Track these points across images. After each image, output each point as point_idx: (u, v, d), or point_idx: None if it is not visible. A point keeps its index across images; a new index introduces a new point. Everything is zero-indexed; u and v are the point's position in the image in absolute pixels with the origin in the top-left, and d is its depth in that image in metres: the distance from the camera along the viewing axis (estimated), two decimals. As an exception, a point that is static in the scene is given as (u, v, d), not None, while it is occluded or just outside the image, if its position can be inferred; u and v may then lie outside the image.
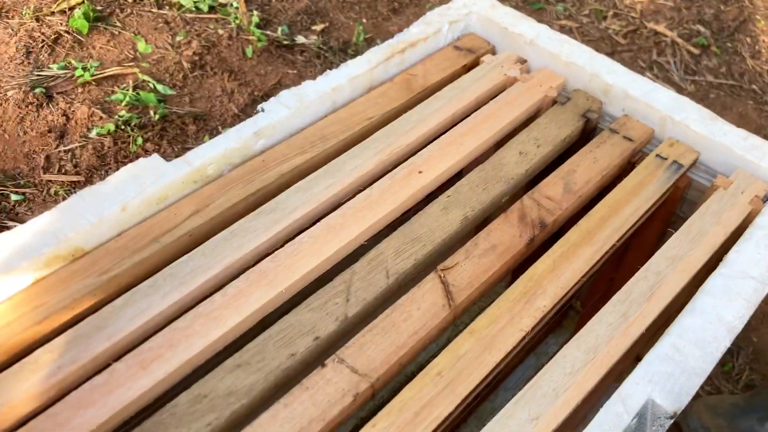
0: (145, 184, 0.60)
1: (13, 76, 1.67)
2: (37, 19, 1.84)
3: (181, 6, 1.82)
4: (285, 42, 1.70)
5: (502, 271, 0.58)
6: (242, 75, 1.66)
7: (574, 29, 1.92)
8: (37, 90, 1.56)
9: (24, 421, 0.47)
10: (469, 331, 0.53)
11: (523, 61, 0.78)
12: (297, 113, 0.69)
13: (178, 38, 1.69)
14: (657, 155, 0.68)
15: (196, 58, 1.66)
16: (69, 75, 1.61)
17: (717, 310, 0.53)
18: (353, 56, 1.70)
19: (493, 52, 0.80)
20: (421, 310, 0.54)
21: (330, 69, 0.73)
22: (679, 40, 1.86)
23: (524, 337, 0.53)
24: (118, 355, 0.51)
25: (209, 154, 0.64)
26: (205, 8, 1.81)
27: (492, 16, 0.79)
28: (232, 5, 1.80)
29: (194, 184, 0.63)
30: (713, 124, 0.68)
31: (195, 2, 1.86)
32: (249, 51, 1.67)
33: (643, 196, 0.64)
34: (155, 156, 0.63)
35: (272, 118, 0.67)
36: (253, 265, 0.57)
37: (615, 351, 0.52)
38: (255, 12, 1.80)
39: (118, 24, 1.82)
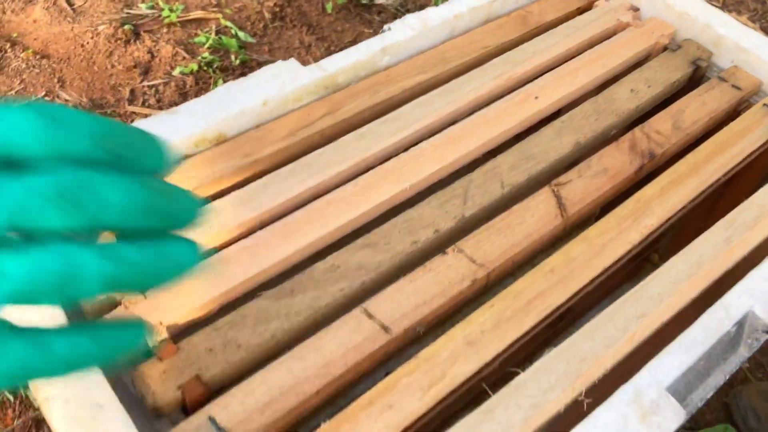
0: (284, 84, 0.66)
1: (104, 12, 1.76)
2: None
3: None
4: (364, 1, 1.73)
5: (611, 192, 0.62)
6: (320, 30, 1.71)
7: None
8: (126, 26, 1.63)
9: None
10: (581, 238, 0.57)
11: (635, 9, 0.80)
12: (420, 35, 0.73)
13: (260, -11, 1.75)
14: (764, 104, 0.70)
15: (277, 9, 1.71)
16: (156, 15, 1.69)
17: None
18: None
19: (606, -2, 0.83)
20: (535, 217, 0.59)
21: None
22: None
23: (631, 250, 0.57)
24: (263, 225, 0.56)
25: (341, 64, 0.68)
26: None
27: (610, -38, 0.82)
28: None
29: (325, 90, 0.68)
30: (824, 80, 0.70)
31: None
32: (329, 7, 1.71)
33: (748, 139, 0.66)
34: (292, 60, 0.68)
35: (398, 38, 0.72)
36: (380, 164, 0.62)
37: (716, 269, 0.55)
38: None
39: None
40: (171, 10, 1.66)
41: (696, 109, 0.69)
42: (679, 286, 0.53)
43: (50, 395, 0.43)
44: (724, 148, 0.65)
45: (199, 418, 0.45)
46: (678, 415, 0.45)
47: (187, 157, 0.61)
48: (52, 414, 0.42)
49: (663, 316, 0.51)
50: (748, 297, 0.52)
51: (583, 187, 0.61)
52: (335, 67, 0.68)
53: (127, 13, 1.73)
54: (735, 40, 0.74)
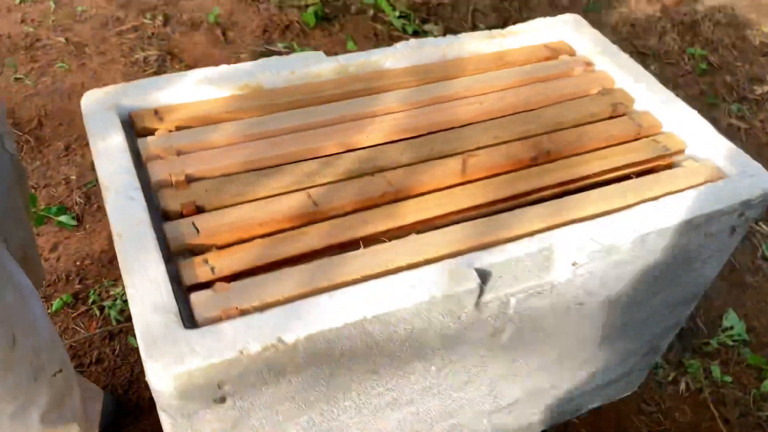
0: (309, 64, 0.98)
1: (248, 45, 2.22)
2: (280, 8, 2.41)
3: (391, 24, 2.29)
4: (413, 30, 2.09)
5: (505, 169, 0.87)
6: (368, 41, 2.09)
7: (743, 130, 2.11)
8: (261, 58, 2.12)
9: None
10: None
11: (589, 63, 1.06)
12: (416, 53, 1.03)
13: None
14: (653, 139, 0.93)
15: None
16: (287, 53, 2.13)
17: None
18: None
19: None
20: (445, 172, 0.86)
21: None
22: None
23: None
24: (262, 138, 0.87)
25: (353, 60, 1.00)
26: (410, 30, 2.26)
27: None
28: (433, 34, 2.23)
29: (337, 74, 0.99)
30: None
31: (402, 24, 2.32)
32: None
33: (625, 158, 0.90)
34: (321, 52, 1.00)
35: (402, 51, 1.02)
36: (353, 121, 0.92)
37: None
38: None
39: (337, 26, 2.33)
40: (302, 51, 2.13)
41: (598, 131, 0.94)
42: (518, 223, 0.78)
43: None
44: (601, 157, 0.89)
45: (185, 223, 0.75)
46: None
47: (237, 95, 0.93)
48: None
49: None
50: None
51: (485, 160, 0.87)
52: (347, 60, 0.99)
53: (266, 48, 2.18)
54: (652, 97, 0.98)
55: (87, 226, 1.95)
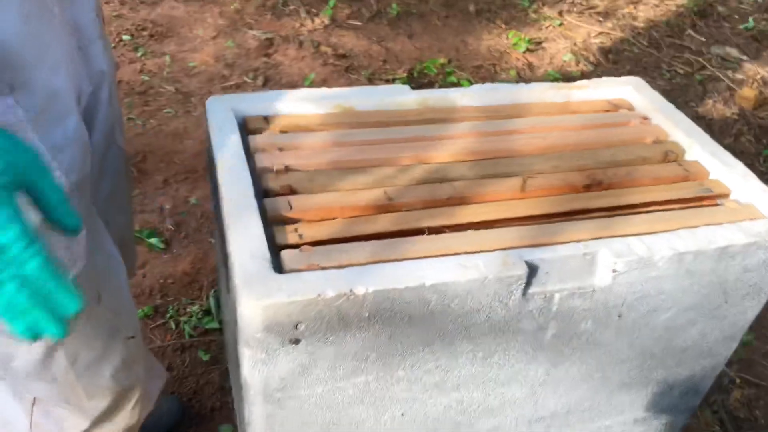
0: (395, 97, 1.13)
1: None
2: (369, 80, 2.66)
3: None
4: None
5: (559, 192, 0.98)
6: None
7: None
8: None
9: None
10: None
11: (645, 118, 1.17)
12: (491, 93, 1.17)
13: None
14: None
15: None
16: None
17: None
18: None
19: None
20: (506, 187, 0.97)
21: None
22: None
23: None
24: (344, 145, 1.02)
25: (433, 95, 1.15)
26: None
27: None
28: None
29: (418, 105, 1.14)
30: None
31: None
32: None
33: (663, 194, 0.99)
34: (407, 86, 1.15)
35: (475, 91, 1.16)
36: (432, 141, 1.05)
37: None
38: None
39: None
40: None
41: (648, 171, 1.04)
42: (567, 232, 0.89)
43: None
44: (649, 191, 0.99)
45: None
46: (522, 268, 0.81)
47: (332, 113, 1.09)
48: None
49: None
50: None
51: (544, 182, 0.99)
52: (429, 94, 1.14)
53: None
54: (701, 149, 1.08)
55: (174, 251, 2.15)
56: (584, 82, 1.24)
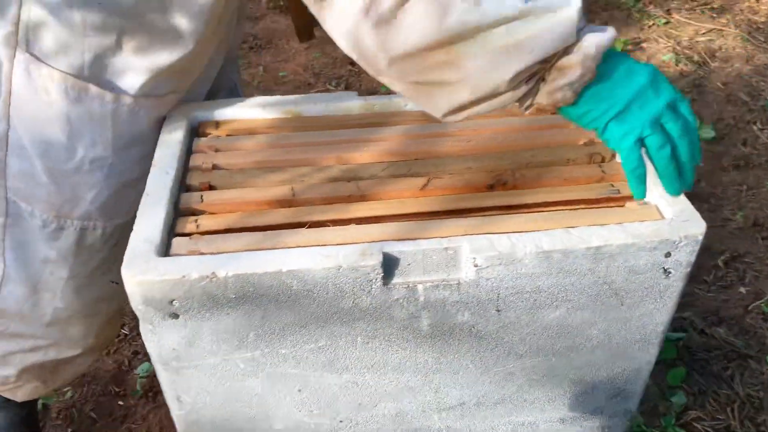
0: (341, 103, 1.23)
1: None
2: None
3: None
4: None
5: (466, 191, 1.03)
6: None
7: None
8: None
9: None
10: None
11: (591, 120, 1.17)
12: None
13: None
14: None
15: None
16: None
17: None
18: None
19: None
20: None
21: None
22: None
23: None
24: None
25: (381, 101, 1.23)
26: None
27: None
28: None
29: (365, 110, 1.23)
30: None
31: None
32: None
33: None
34: (354, 92, 1.24)
35: (420, 96, 1.23)
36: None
37: (475, 233, 0.93)
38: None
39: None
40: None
41: (562, 172, 1.05)
42: (441, 228, 0.94)
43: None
44: (552, 192, 1.01)
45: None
46: (375, 260, 0.88)
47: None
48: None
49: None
50: (466, 240, 0.91)
51: (447, 182, 1.04)
52: (375, 100, 1.22)
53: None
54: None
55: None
56: (535, 84, 1.25)
